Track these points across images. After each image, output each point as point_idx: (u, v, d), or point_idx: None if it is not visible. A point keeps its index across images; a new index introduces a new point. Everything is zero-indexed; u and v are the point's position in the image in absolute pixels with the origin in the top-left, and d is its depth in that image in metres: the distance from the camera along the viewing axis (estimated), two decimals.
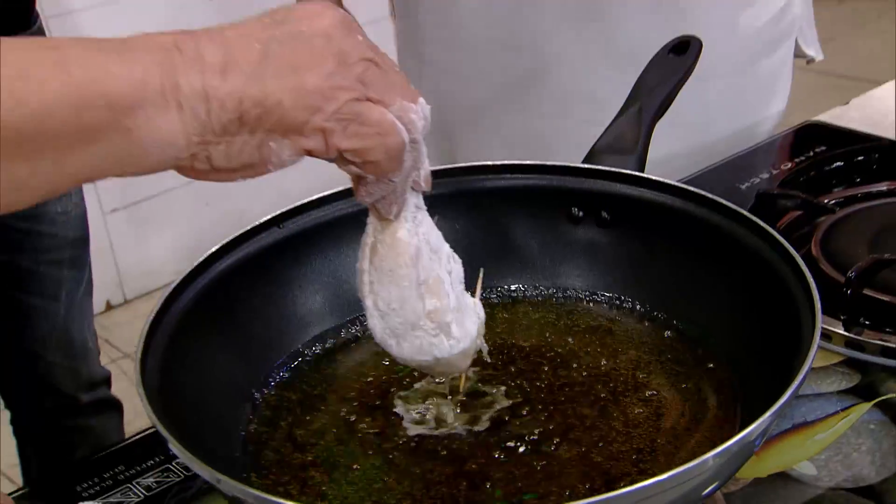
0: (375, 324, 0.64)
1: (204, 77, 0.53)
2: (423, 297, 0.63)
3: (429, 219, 0.65)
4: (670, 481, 0.55)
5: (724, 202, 0.76)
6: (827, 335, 0.89)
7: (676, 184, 0.79)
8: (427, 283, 0.63)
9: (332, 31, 0.56)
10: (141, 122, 0.51)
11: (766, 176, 1.14)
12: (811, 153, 1.18)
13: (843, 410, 0.83)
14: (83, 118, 0.50)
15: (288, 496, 0.64)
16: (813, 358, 0.63)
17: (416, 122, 0.59)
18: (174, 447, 0.57)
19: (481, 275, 0.71)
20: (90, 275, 1.57)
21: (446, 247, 0.66)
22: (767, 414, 0.59)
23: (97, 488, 0.78)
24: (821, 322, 0.65)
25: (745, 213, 0.75)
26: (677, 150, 1.16)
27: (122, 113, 0.51)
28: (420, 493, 0.65)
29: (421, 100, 0.59)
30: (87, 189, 2.38)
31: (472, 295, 0.68)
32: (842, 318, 0.89)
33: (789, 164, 1.19)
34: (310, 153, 0.57)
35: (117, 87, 0.51)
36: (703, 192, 0.78)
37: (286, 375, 0.76)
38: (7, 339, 1.51)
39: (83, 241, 1.53)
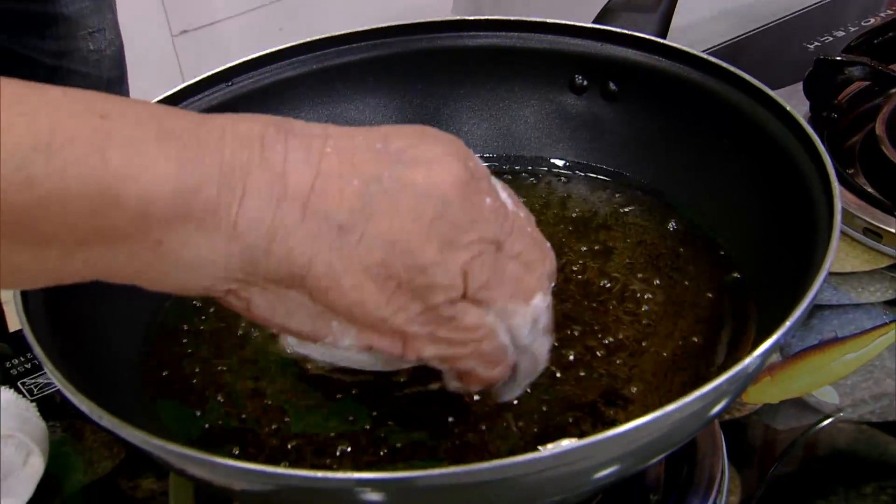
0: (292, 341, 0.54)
1: (278, 209, 0.41)
2: None
3: None
4: (635, 432, 0.45)
5: (747, 77, 0.62)
6: (877, 233, 0.76)
7: (697, 53, 0.66)
8: None
9: (451, 192, 0.43)
10: (176, 239, 0.40)
11: (832, 38, 0.98)
12: (893, 8, 1.02)
13: (882, 326, 0.70)
14: (106, 218, 0.39)
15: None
16: (825, 276, 0.50)
17: (522, 327, 0.47)
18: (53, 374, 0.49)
19: None
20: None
21: None
22: (759, 351, 0.47)
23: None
24: (839, 222, 0.52)
25: (769, 91, 0.61)
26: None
27: (157, 224, 0.40)
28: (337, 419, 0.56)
29: (537, 298, 0.47)
30: (156, 8, 2.33)
31: None
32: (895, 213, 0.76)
33: (869, 22, 1.03)
34: (379, 351, 0.45)
35: (160, 192, 0.39)
36: (727, 66, 0.64)
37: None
38: None
39: (119, 81, 1.46)
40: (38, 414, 0.64)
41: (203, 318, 0.62)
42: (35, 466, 0.61)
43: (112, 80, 1.44)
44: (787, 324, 0.47)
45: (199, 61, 0.67)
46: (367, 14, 0.64)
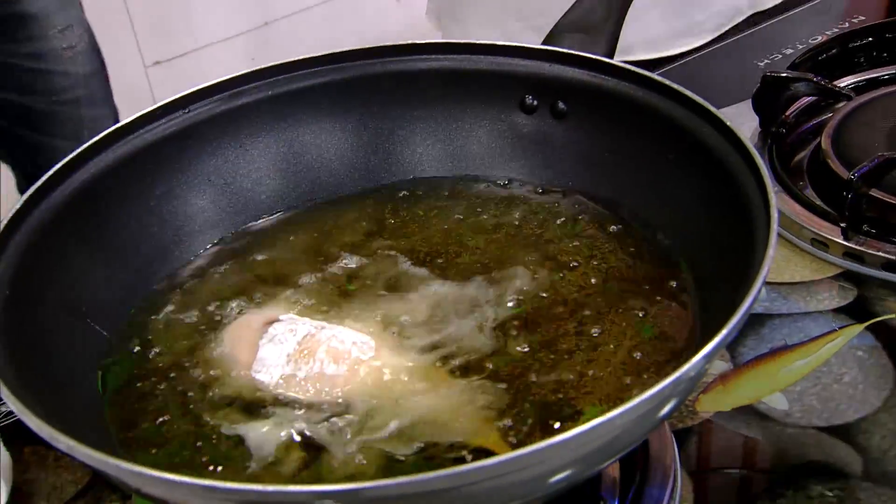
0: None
1: None
2: None
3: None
4: (584, 436, 0.46)
5: (690, 95, 0.64)
6: (824, 243, 0.78)
7: (641, 71, 0.67)
8: None
9: None
10: None
11: (781, 56, 1.01)
12: (839, 26, 1.04)
13: (830, 333, 0.72)
14: None
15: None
16: (764, 277, 0.52)
17: None
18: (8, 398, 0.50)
19: None
20: (115, 112, 1.52)
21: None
22: (700, 354, 0.49)
23: None
24: (776, 230, 0.54)
25: (710, 107, 0.63)
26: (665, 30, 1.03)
27: None
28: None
29: None
30: (128, 41, 2.35)
31: None
32: (841, 224, 0.78)
33: (816, 39, 1.05)
34: None
35: None
36: (669, 83, 0.66)
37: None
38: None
39: (98, 72, 1.48)
40: (2, 445, 0.64)
41: (157, 348, 0.63)
42: None
43: (90, 73, 1.46)
44: (726, 329, 0.49)
45: (172, 92, 0.70)
46: (340, 42, 0.66)
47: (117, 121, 1.48)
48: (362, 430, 0.55)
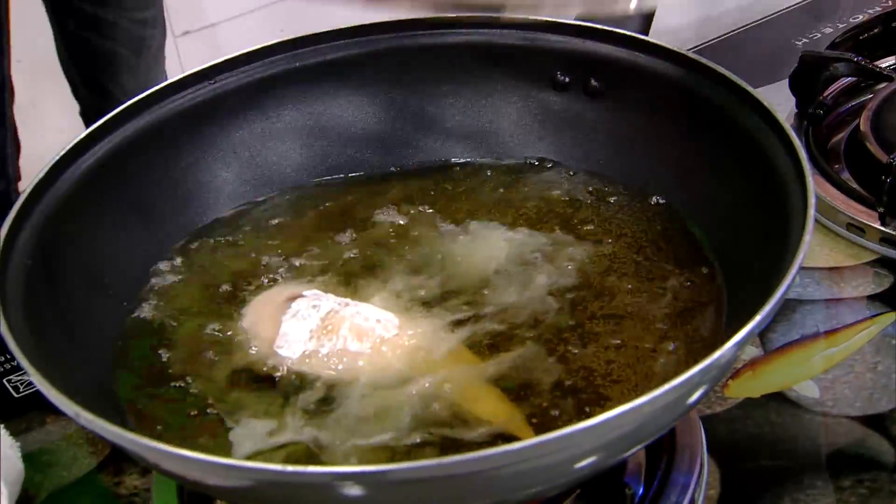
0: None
1: None
2: None
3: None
4: (611, 422, 0.45)
5: (726, 73, 0.63)
6: (860, 228, 0.77)
7: (676, 49, 0.66)
8: None
9: None
10: None
11: (820, 35, 0.99)
12: (881, 5, 1.02)
13: (864, 321, 0.71)
14: None
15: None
16: (800, 262, 0.51)
17: None
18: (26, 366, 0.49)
19: None
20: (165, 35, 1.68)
21: None
22: (732, 342, 0.48)
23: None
24: (813, 215, 0.53)
25: (746, 86, 0.61)
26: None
27: None
28: None
29: None
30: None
31: None
32: (879, 209, 0.76)
33: (857, 19, 1.03)
34: None
35: None
36: (705, 61, 0.64)
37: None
38: (92, 81, 1.65)
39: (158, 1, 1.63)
40: (19, 454, 0.64)
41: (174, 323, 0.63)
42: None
43: None
44: (759, 316, 0.48)
45: (201, 62, 0.70)
46: (370, 17, 0.65)
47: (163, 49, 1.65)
48: (384, 410, 0.55)
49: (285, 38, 0.69)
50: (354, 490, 0.45)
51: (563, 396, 0.56)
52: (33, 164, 0.57)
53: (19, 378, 0.71)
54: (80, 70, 1.67)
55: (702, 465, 0.61)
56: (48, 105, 2.37)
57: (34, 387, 0.69)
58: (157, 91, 0.66)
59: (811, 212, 0.53)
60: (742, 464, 0.63)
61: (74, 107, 2.05)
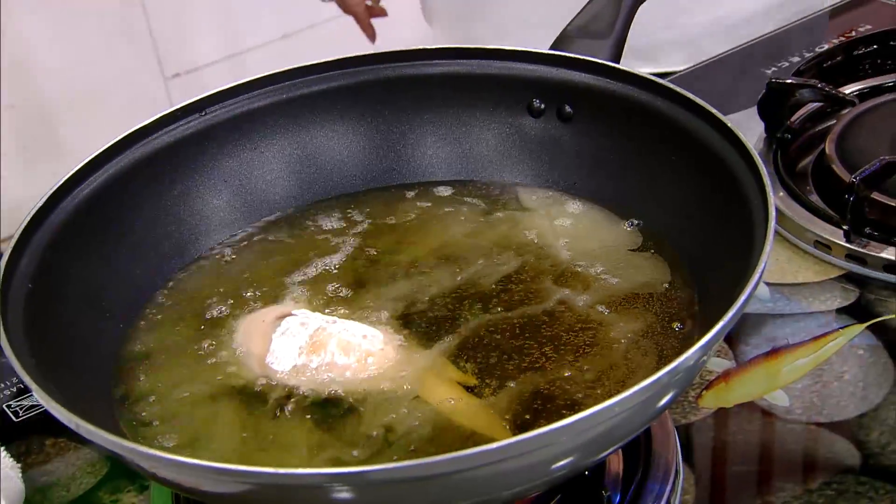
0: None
1: None
2: None
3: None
4: (584, 422, 0.48)
5: (693, 98, 0.66)
6: (827, 245, 0.80)
7: (644, 75, 0.69)
8: None
9: None
10: None
11: (787, 63, 1.02)
12: (846, 35, 1.06)
13: (831, 333, 0.73)
14: None
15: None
16: (761, 274, 0.53)
17: None
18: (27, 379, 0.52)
19: None
20: None
21: None
22: (698, 345, 0.51)
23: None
24: (773, 228, 0.56)
25: (712, 109, 0.65)
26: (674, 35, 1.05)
27: None
28: None
29: None
30: (148, 53, 2.39)
31: None
32: (844, 227, 0.79)
33: (823, 47, 1.07)
34: None
35: None
36: (672, 86, 0.68)
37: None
38: None
39: None
40: (20, 475, 0.66)
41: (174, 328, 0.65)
42: None
43: None
44: (722, 322, 0.50)
45: None
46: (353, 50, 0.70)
47: None
48: (370, 419, 0.57)
49: (271, 72, 0.72)
50: (342, 492, 0.47)
51: (541, 403, 0.58)
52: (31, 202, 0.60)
53: (18, 403, 0.74)
54: None
55: (677, 472, 0.64)
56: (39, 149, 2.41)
57: (33, 411, 0.72)
58: (149, 123, 0.69)
59: (772, 224, 0.56)
60: (716, 470, 0.66)
61: (65, 151, 2.08)
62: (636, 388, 0.48)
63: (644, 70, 0.71)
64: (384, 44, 1.02)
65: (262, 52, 2.56)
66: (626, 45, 0.76)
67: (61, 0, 2.34)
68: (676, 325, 0.62)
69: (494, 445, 0.46)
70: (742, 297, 0.52)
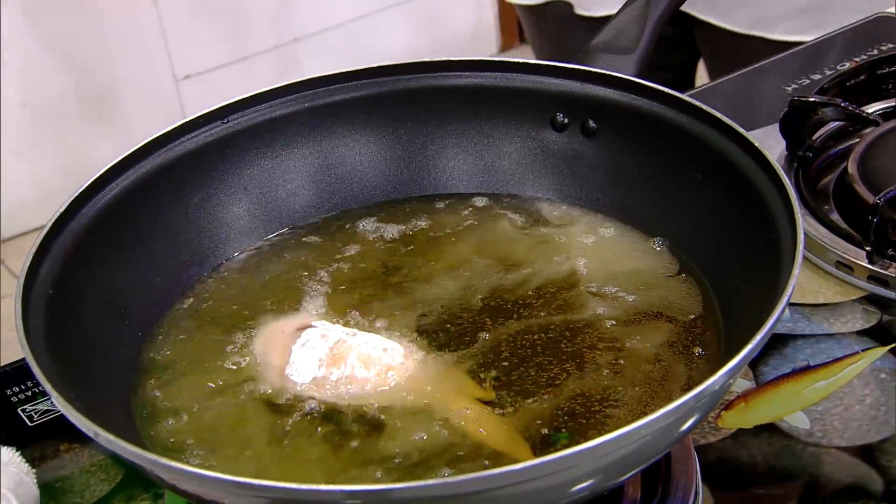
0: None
1: None
2: None
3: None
4: (607, 446, 0.47)
5: (719, 115, 0.65)
6: (848, 266, 0.79)
7: (670, 91, 0.69)
8: None
9: None
10: None
11: (809, 81, 1.02)
12: (867, 53, 1.05)
13: (853, 355, 0.73)
14: None
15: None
16: (788, 298, 0.53)
17: None
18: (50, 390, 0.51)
19: None
20: None
21: None
22: (724, 370, 0.50)
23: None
24: (802, 252, 0.55)
25: (738, 128, 0.64)
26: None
27: None
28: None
29: None
30: (160, 54, 2.40)
31: None
32: (866, 248, 0.78)
33: (844, 66, 1.06)
34: None
35: None
36: (697, 103, 0.67)
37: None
38: None
39: None
40: (34, 480, 0.66)
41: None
42: None
43: None
44: (749, 346, 0.50)
45: (200, 105, 0.72)
46: (365, 58, 0.69)
47: None
48: (390, 433, 0.57)
49: (294, 80, 0.72)
50: None
51: (560, 421, 0.58)
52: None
53: (34, 407, 0.73)
54: None
55: (696, 493, 0.63)
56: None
57: (48, 415, 0.71)
58: (171, 130, 0.69)
59: (800, 248, 0.56)
60: (735, 492, 0.65)
61: (72, 149, 2.08)
62: (662, 411, 0.48)
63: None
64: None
65: (273, 55, 2.56)
66: None
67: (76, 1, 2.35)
68: (698, 350, 0.62)
69: (518, 466, 0.46)
70: (769, 322, 0.51)
